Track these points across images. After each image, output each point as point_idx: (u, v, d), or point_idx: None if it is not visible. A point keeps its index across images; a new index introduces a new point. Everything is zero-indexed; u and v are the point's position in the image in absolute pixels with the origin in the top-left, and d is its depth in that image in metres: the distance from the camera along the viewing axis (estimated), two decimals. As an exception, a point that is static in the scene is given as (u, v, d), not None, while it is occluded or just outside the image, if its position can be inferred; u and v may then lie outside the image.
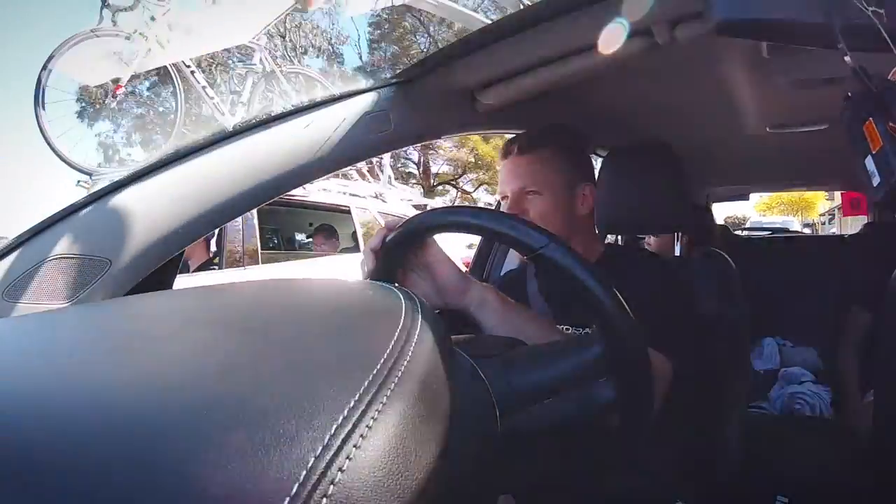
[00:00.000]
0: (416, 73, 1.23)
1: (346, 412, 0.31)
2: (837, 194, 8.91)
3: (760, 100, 1.90)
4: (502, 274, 1.79)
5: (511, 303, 1.02)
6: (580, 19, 1.09)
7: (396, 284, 0.54)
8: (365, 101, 1.18)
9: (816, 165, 3.09)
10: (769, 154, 2.73)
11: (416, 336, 0.39)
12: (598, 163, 1.92)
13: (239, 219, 2.86)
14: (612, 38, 1.13)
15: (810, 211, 24.32)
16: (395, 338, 0.38)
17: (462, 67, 1.25)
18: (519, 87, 1.31)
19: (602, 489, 1.12)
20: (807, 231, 17.24)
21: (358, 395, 0.32)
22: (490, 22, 1.19)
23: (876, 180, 0.67)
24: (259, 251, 4.69)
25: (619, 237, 2.68)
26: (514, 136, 1.37)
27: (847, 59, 0.70)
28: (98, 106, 5.15)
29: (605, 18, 1.08)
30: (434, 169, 19.29)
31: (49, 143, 5.00)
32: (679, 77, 1.68)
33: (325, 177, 1.22)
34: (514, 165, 1.34)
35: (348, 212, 5.66)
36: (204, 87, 5.55)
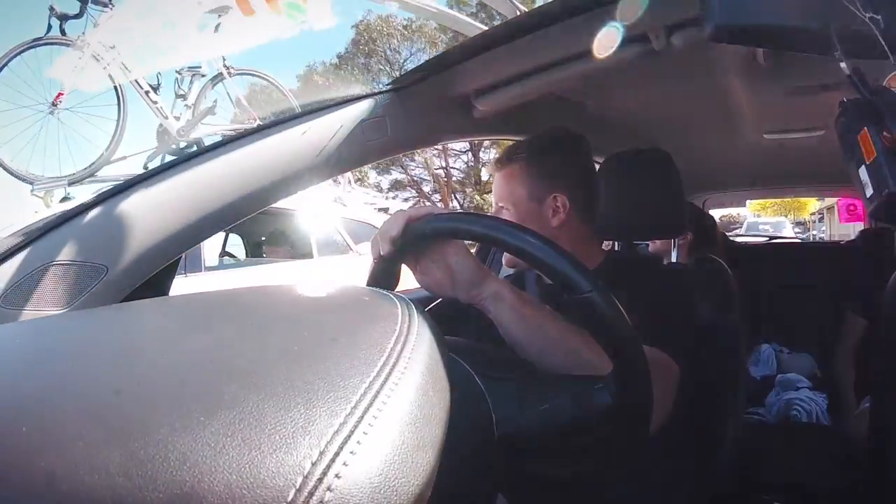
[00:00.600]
0: (412, 79, 1.24)
1: (342, 418, 0.30)
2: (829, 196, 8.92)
3: (756, 106, 1.91)
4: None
5: (528, 299, 0.99)
6: (576, 25, 1.09)
7: (393, 291, 0.54)
8: (362, 108, 1.18)
9: (813, 171, 3.10)
10: (766, 160, 2.74)
11: (412, 342, 0.39)
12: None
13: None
14: (608, 44, 1.13)
15: (802, 211, 25.00)
16: (391, 343, 0.38)
17: (459, 74, 1.25)
18: (515, 94, 1.31)
19: (595, 494, 1.12)
20: (798, 229, 17.66)
21: (354, 400, 0.32)
22: (486, 28, 1.19)
23: (869, 191, 0.67)
24: (204, 258, 4.47)
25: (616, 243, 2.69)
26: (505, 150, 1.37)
27: (843, 65, 0.70)
28: (42, 114, 5.06)
29: (601, 25, 1.09)
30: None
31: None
32: (675, 83, 1.69)
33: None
34: (495, 181, 1.35)
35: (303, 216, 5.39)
36: (147, 92, 5.41)
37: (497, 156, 1.34)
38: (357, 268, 4.84)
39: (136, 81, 5.35)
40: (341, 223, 5.65)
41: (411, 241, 0.89)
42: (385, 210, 6.90)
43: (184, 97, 5.74)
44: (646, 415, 0.75)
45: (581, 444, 0.78)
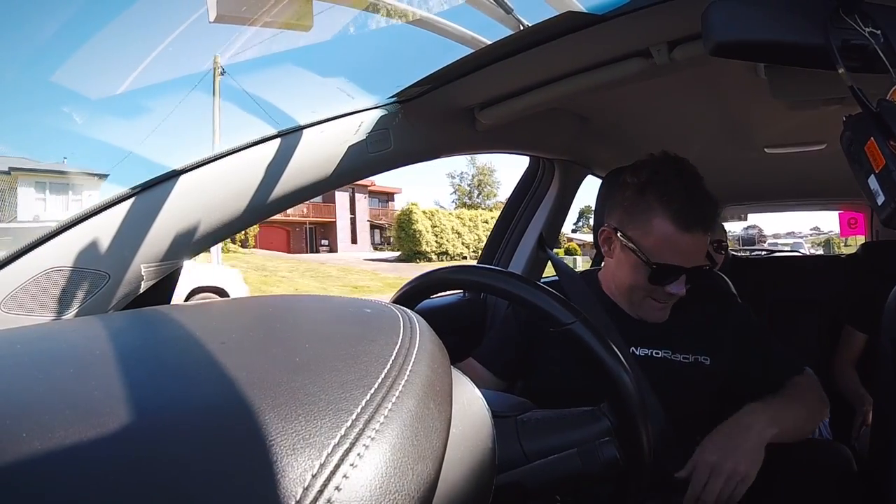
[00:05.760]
0: (416, 92, 1.24)
1: (344, 430, 0.30)
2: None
3: (757, 120, 1.91)
4: None
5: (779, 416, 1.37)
6: (579, 40, 1.10)
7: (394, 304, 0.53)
8: (365, 120, 1.18)
9: (814, 186, 3.09)
10: (766, 174, 2.73)
11: (414, 355, 0.39)
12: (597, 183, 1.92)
13: None
14: (611, 58, 1.14)
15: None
16: (392, 356, 0.37)
17: (462, 87, 1.25)
18: (518, 107, 1.31)
19: None
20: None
21: (356, 412, 0.32)
22: (490, 43, 1.19)
23: (881, 199, 0.67)
24: None
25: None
26: (695, 211, 1.31)
27: (846, 80, 0.70)
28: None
29: (604, 39, 1.09)
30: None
31: None
32: (677, 98, 1.69)
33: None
34: (701, 243, 1.33)
35: None
36: None
37: (704, 218, 1.33)
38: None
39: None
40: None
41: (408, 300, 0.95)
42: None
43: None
44: (644, 446, 0.76)
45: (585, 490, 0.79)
